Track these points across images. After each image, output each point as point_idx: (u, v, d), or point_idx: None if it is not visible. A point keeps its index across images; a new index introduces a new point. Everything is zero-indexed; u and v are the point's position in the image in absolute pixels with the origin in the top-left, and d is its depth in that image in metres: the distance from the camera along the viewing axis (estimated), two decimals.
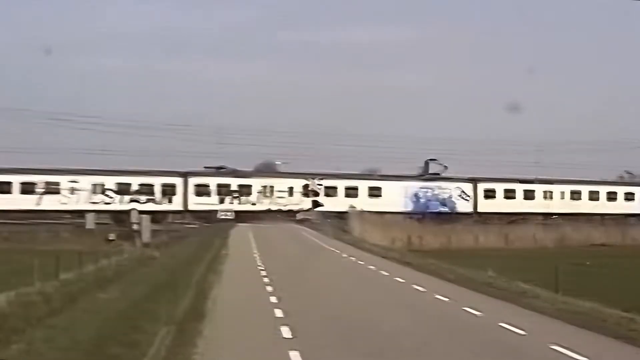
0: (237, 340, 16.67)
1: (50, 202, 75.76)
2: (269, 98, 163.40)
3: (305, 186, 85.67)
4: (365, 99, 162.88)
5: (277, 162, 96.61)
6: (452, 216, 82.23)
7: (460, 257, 47.04)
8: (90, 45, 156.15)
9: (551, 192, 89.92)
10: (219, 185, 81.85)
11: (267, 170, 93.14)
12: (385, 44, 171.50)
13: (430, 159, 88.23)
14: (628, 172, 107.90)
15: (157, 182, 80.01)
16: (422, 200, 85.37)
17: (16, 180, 75.53)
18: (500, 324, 19.18)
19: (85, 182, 77.65)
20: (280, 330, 17.56)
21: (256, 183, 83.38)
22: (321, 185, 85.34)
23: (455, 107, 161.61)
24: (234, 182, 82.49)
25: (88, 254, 34.61)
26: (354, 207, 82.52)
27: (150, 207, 75.48)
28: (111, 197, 78.81)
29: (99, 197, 78.33)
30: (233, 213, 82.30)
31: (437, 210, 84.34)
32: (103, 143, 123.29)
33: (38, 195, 76.05)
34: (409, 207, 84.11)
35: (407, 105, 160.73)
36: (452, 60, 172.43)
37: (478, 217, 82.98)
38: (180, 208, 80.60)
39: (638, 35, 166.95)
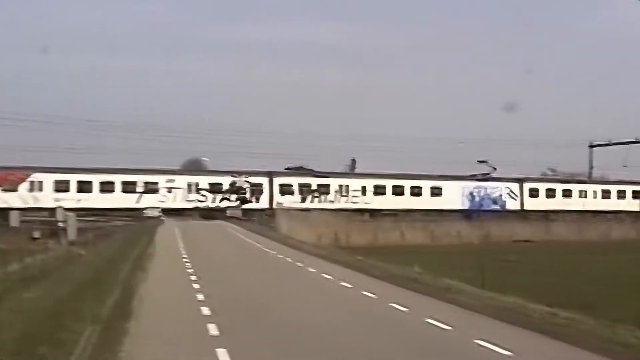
0: (164, 339, 16.59)
1: (149, 201, 79.01)
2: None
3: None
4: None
5: (204, 159, 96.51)
6: (503, 213, 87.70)
7: (387, 253, 47.41)
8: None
9: (585, 191, 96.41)
10: (301, 185, 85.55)
11: (194, 167, 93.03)
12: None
13: (481, 161, 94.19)
14: (551, 170, 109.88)
15: (245, 181, 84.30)
16: (477, 199, 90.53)
17: (118, 179, 78.26)
18: (427, 319, 19.38)
19: (182, 181, 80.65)
20: (207, 327, 17.54)
21: (334, 182, 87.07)
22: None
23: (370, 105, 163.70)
24: (314, 182, 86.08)
25: (12, 252, 34.14)
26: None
27: (236, 204, 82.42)
28: (204, 196, 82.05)
29: (194, 196, 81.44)
30: (160, 210, 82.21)
31: (490, 208, 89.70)
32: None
33: (138, 194, 78.91)
34: (466, 205, 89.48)
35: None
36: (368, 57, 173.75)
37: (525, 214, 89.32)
38: (267, 206, 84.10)
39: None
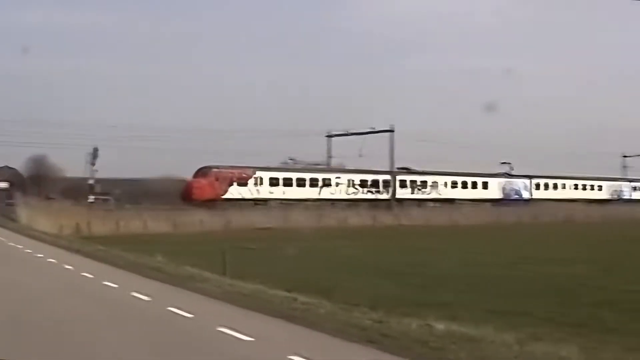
0: None
1: (325, 193, 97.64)
2: None
3: None
4: None
5: None
6: (521, 202, 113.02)
7: (130, 242, 47.07)
8: None
9: (564, 184, 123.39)
10: (411, 181, 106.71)
11: None
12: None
13: (504, 162, 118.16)
14: (291, 159, 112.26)
15: (380, 178, 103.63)
16: (506, 191, 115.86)
17: (307, 176, 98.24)
18: (169, 308, 19.42)
19: (344, 178, 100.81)
20: None
21: (429, 179, 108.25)
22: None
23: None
24: (418, 179, 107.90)
25: None
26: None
27: (377, 196, 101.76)
28: (357, 189, 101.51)
29: (351, 190, 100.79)
30: None
31: (515, 198, 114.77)
32: None
33: (319, 188, 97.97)
34: (501, 196, 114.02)
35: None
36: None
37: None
38: (389, 197, 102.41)
39: None
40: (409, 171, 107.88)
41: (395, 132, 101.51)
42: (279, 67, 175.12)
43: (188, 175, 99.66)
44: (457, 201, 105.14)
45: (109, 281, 26.05)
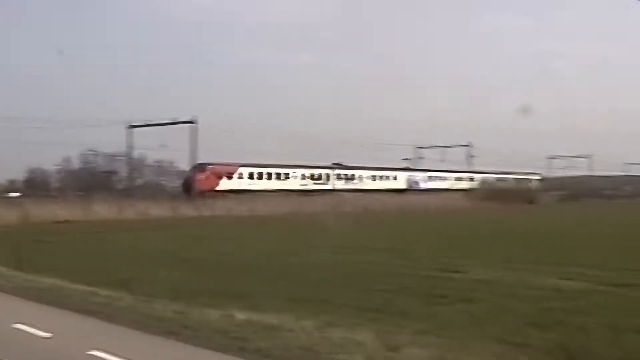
0: None
1: (286, 185, 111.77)
2: None
3: None
4: None
5: None
6: (420, 191, 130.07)
7: None
8: None
9: (445, 176, 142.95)
10: (344, 174, 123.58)
11: None
12: None
13: (405, 159, 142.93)
14: (91, 151, 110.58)
15: (323, 172, 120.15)
16: (410, 182, 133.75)
17: (273, 171, 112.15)
18: None
19: (298, 172, 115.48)
20: None
21: (356, 173, 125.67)
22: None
23: None
24: (349, 172, 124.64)
25: None
26: None
27: (319, 186, 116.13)
28: (307, 182, 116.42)
29: (303, 182, 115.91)
30: None
31: (415, 187, 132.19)
32: None
33: (282, 180, 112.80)
34: (406, 185, 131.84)
35: None
36: None
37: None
38: (330, 188, 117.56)
39: None
40: (341, 166, 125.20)
41: (201, 125, 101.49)
42: (78, 55, 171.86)
43: None
44: (375, 191, 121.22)
45: None
